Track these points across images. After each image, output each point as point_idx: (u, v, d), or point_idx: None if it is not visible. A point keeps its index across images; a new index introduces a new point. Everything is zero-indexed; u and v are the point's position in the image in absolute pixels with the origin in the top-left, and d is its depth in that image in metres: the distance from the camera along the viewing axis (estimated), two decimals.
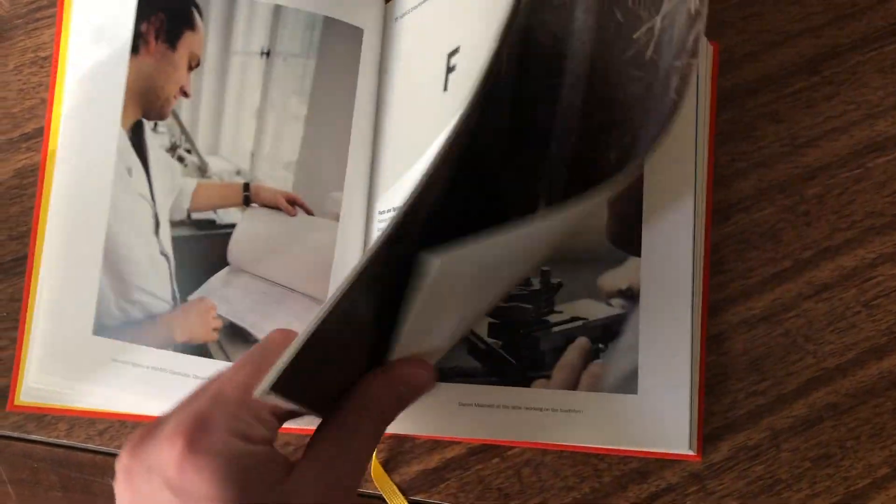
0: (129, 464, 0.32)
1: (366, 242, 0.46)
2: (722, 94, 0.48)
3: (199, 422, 0.31)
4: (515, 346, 0.44)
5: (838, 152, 0.48)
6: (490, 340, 0.44)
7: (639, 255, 0.45)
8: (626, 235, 0.45)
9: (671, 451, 0.44)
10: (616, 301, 0.45)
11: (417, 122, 0.45)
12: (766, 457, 0.45)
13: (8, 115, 0.47)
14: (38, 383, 0.43)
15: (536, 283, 0.45)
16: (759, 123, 0.48)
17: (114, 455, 0.45)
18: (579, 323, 0.45)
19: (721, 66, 0.48)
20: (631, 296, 0.44)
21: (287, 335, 0.36)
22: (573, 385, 0.44)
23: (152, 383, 0.43)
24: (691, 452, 0.43)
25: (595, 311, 0.45)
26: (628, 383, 0.44)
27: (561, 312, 0.45)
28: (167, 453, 0.30)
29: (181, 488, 0.30)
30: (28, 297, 0.44)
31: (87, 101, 0.44)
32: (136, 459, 0.32)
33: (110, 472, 0.45)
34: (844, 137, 0.48)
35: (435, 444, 0.45)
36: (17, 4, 0.48)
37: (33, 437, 0.45)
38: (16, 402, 0.44)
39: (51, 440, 0.45)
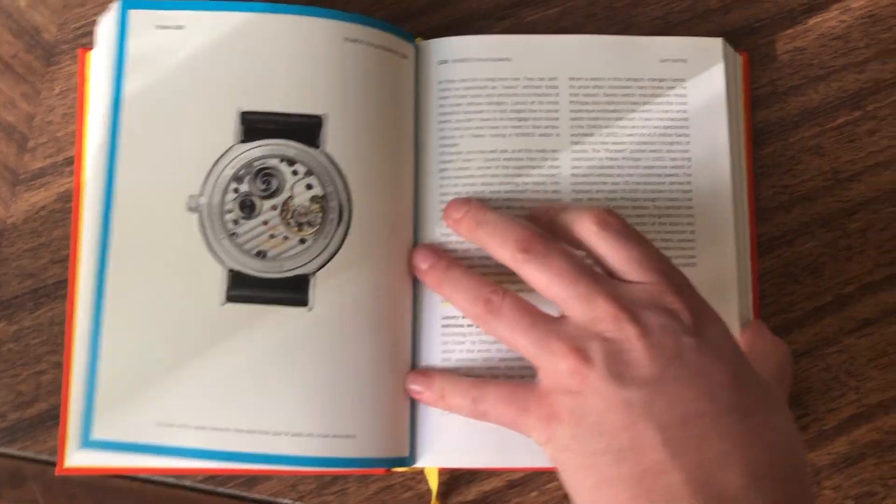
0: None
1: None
2: (765, 127, 0.48)
3: None
4: None
5: (881, 187, 0.48)
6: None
7: None
8: None
9: None
10: None
11: None
12: None
13: (53, 139, 0.47)
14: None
15: None
16: (801, 157, 0.48)
17: (154, 483, 0.45)
18: None
19: (765, 99, 0.48)
20: None
21: None
22: None
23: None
24: None
25: None
26: None
27: None
28: None
29: None
30: (70, 329, 0.42)
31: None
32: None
33: (147, 499, 0.45)
34: (888, 172, 0.48)
35: (472, 477, 0.45)
36: (65, 30, 0.48)
37: None
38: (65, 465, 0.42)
39: None
